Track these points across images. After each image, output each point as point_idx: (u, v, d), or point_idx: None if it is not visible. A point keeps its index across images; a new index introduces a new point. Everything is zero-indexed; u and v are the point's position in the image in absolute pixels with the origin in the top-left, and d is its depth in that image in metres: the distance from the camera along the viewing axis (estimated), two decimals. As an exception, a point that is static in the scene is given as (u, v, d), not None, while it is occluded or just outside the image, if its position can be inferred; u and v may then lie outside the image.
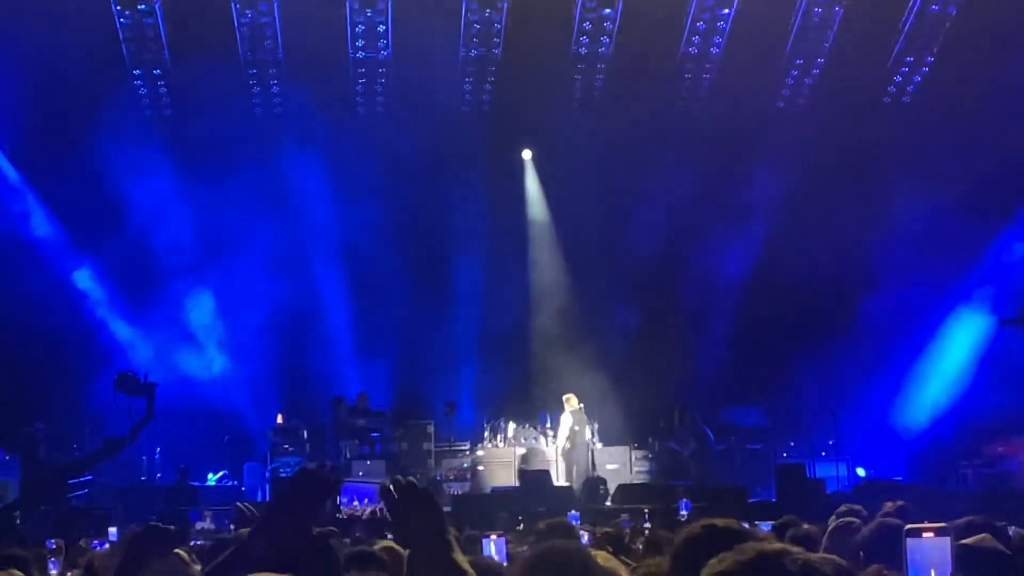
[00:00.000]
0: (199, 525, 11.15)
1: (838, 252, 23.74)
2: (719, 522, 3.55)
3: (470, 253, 25.27)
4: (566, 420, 22.14)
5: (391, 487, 3.05)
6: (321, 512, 3.19)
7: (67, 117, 23.10)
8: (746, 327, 24.44)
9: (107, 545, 9.64)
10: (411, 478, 3.05)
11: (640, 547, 9.10)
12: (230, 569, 3.09)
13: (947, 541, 3.00)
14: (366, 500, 19.15)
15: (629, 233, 25.04)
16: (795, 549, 2.34)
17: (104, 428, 18.42)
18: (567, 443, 22.05)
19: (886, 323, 23.69)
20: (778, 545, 2.40)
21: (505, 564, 5.10)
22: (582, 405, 22.50)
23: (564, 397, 22.24)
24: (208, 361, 24.64)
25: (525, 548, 6.92)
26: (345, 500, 18.63)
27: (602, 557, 4.42)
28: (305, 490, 3.21)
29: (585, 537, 9.33)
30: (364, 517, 16.65)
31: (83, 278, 24.31)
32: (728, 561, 2.32)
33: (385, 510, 3.09)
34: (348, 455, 22.12)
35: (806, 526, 7.91)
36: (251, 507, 10.71)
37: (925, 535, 3.01)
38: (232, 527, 12.25)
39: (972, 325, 23.31)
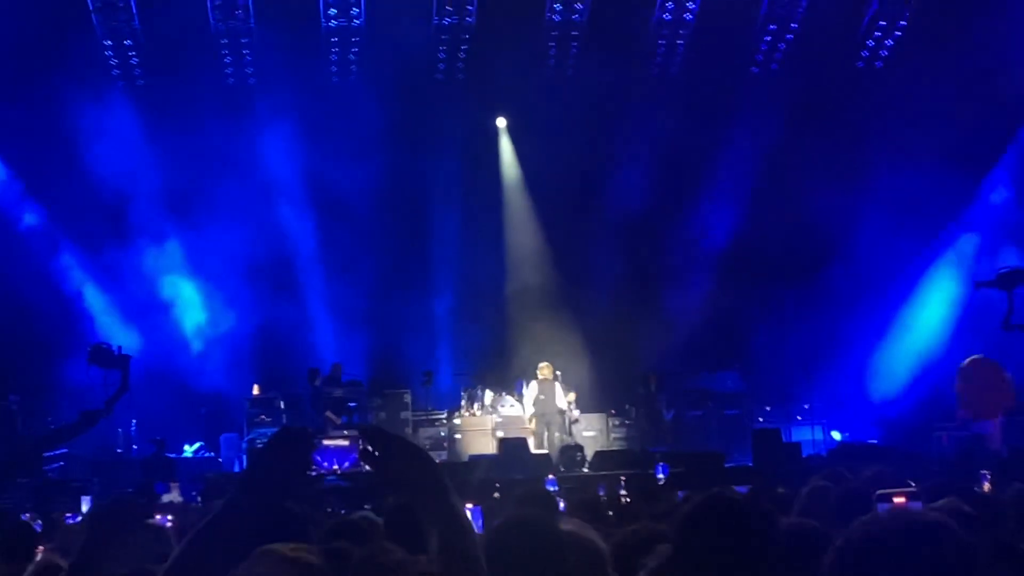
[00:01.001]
0: (166, 498, 11.10)
1: (815, 216, 23.72)
2: (721, 493, 3.56)
3: (445, 221, 25.24)
4: (532, 390, 22.22)
5: (368, 444, 3.03)
6: (302, 470, 3.16)
7: (35, 84, 22.94)
8: (722, 292, 24.48)
9: (79, 518, 9.61)
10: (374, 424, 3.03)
11: (612, 514, 9.13)
12: (214, 533, 3.07)
13: (918, 505, 3.00)
14: (347, 463, 19.19)
15: (604, 200, 25.01)
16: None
17: (79, 401, 18.34)
18: (533, 411, 22.17)
19: (863, 287, 23.80)
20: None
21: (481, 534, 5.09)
22: (559, 373, 22.54)
23: (539, 366, 22.29)
24: (185, 332, 24.58)
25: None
26: (324, 464, 18.66)
27: (576, 525, 4.42)
28: (283, 449, 3.19)
29: (562, 504, 9.36)
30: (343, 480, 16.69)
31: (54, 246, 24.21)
32: None
33: (371, 468, 3.06)
34: (327, 426, 22.08)
35: (780, 490, 7.94)
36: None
37: (896, 500, 3.01)
38: (199, 499, 12.24)
39: (948, 287, 23.40)
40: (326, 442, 19.84)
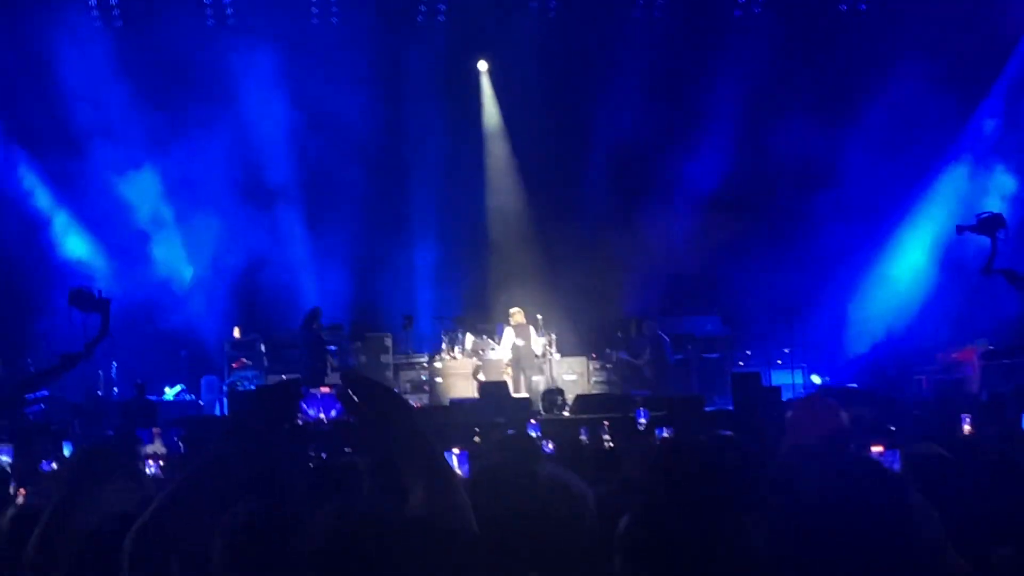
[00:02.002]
0: (149, 448, 11.05)
1: (800, 158, 23.72)
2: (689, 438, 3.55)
3: (426, 165, 25.20)
4: (508, 335, 22.27)
5: (348, 390, 3.02)
6: (288, 421, 3.16)
7: (14, 28, 22.78)
8: (704, 236, 24.48)
9: (53, 464, 9.59)
10: (357, 371, 3.03)
11: (597, 457, 9.14)
12: (197, 482, 3.07)
13: (896, 453, 3.01)
14: (333, 412, 19.16)
15: (585, 144, 25.00)
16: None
17: (58, 344, 18.29)
18: (511, 356, 22.24)
19: (847, 231, 23.80)
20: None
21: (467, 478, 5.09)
22: (539, 317, 22.59)
23: (510, 311, 22.33)
24: (165, 275, 24.52)
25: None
26: (312, 411, 18.63)
27: (559, 469, 4.41)
28: (270, 400, 3.18)
29: (550, 446, 9.37)
30: (326, 427, 16.64)
31: (31, 184, 24.08)
32: None
33: (349, 416, 3.06)
34: (327, 371, 22.01)
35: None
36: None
37: (874, 448, 3.02)
38: (181, 444, 12.20)
39: (932, 228, 23.42)
40: (324, 389, 19.79)
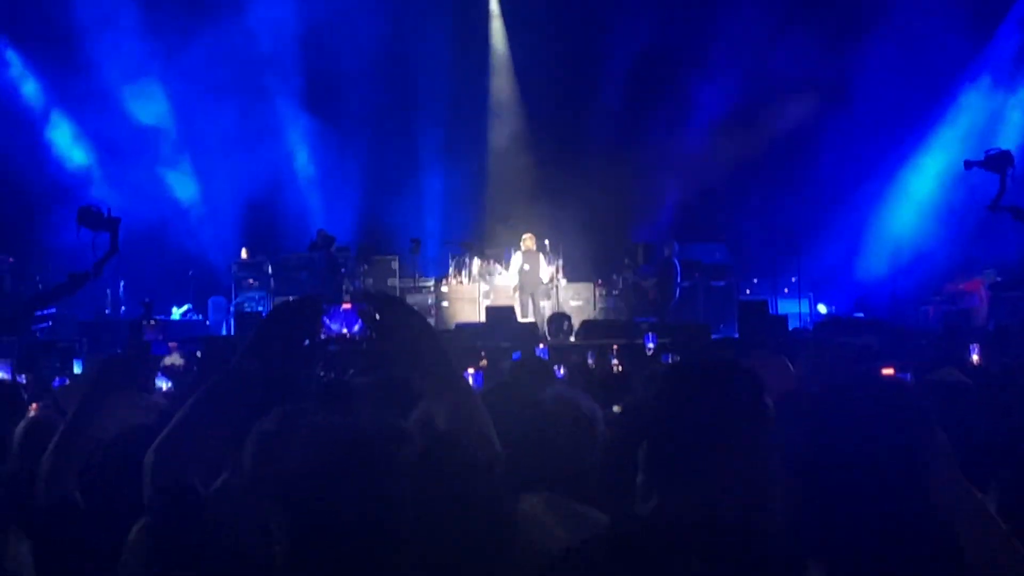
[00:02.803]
0: (167, 360, 11.11)
1: (807, 86, 23.60)
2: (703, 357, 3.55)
3: (435, 90, 25.12)
4: (516, 260, 22.26)
5: (373, 309, 3.03)
6: (309, 337, 3.18)
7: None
8: (710, 163, 24.39)
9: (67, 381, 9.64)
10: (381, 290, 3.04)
11: (606, 380, 9.17)
12: (217, 397, 3.08)
13: (907, 377, 3.01)
14: (356, 327, 19.16)
15: (595, 72, 24.87)
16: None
17: (67, 262, 18.32)
18: (518, 281, 22.27)
19: (854, 157, 23.70)
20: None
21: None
22: (547, 243, 22.57)
23: (523, 236, 22.31)
24: (172, 194, 24.53)
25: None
26: (335, 326, 18.63)
27: (569, 390, 4.43)
28: (291, 315, 3.20)
29: (562, 371, 9.40)
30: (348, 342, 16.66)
31: (34, 94, 24.04)
32: None
33: (373, 332, 3.07)
34: (342, 291, 22.07)
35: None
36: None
37: (884, 372, 3.03)
38: (198, 356, 12.23)
39: (943, 157, 23.30)
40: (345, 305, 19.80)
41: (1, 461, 5.44)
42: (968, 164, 18.35)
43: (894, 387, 2.39)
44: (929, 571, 2.60)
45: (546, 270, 22.54)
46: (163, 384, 7.79)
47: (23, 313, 16.90)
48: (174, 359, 11.08)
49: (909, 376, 2.93)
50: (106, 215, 15.47)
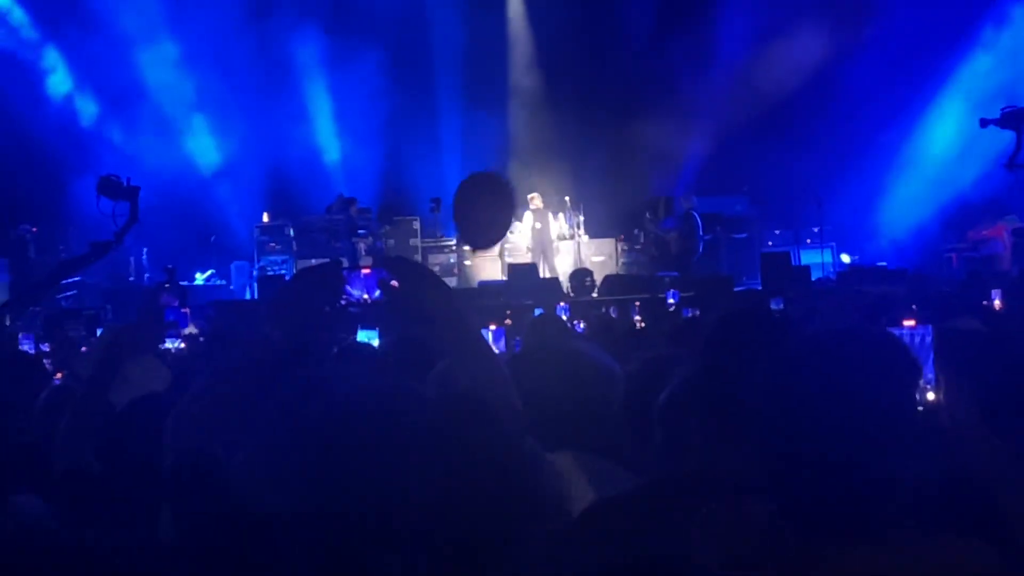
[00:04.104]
0: (186, 330, 11.14)
1: (829, 36, 23.42)
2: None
3: (451, 47, 25.04)
4: (527, 219, 22.24)
5: (390, 274, 3.03)
6: (332, 303, 3.18)
7: None
8: (731, 114, 24.23)
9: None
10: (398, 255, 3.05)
11: (628, 336, 9.15)
12: (241, 364, 3.09)
13: (928, 328, 2.98)
14: (376, 291, 19.17)
15: (615, 22, 24.72)
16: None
17: (90, 231, 18.37)
18: (531, 241, 22.28)
19: (876, 106, 23.52)
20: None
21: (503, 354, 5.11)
22: (568, 199, 22.54)
23: (528, 196, 22.29)
24: (193, 159, 24.55)
25: (517, 339, 6.98)
26: (356, 291, 18.67)
27: (591, 347, 4.41)
28: (314, 281, 3.20)
29: (581, 325, 9.40)
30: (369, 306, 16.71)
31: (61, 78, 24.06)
32: None
33: (389, 297, 3.07)
34: (359, 255, 22.12)
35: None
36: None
37: (906, 323, 3.00)
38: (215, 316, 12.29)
39: (960, 107, 23.12)
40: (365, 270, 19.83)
41: (25, 430, 5.49)
42: (984, 122, 18.20)
43: (881, 341, 2.36)
44: (950, 524, 2.59)
45: (557, 227, 22.52)
46: (170, 344, 7.80)
47: (47, 283, 16.96)
48: (190, 328, 11.12)
49: (930, 328, 2.90)
50: (125, 184, 15.47)
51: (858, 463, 2.17)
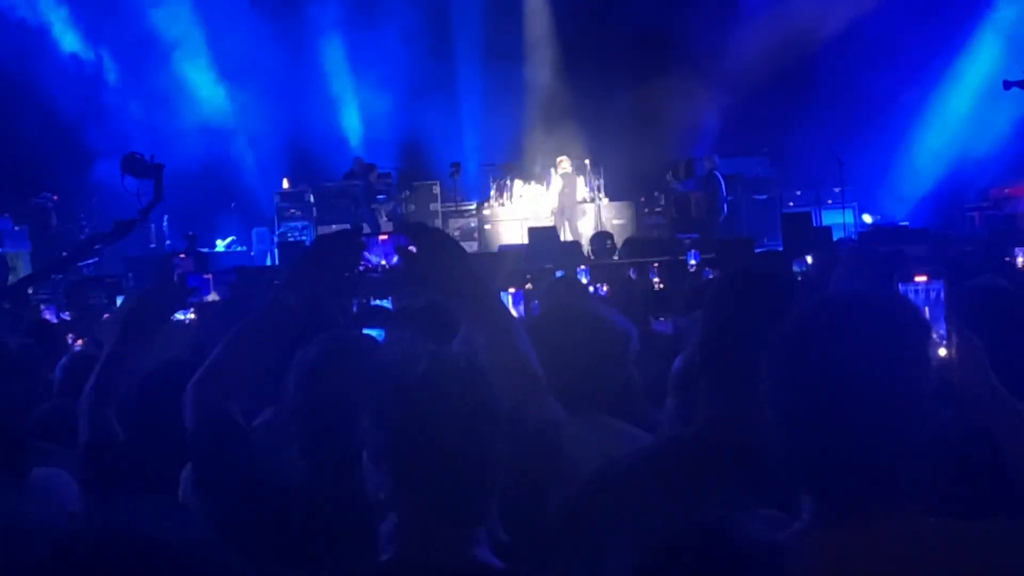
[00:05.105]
0: (208, 296, 11.16)
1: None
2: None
3: (470, 10, 25.02)
4: (555, 183, 22.24)
5: (409, 240, 3.05)
6: (349, 269, 3.21)
7: None
8: (752, 74, 24.08)
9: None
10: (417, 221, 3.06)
11: (647, 298, 9.17)
12: (258, 329, 3.11)
13: (940, 283, 2.97)
14: (394, 257, 19.20)
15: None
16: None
17: (111, 200, 18.41)
18: (557, 204, 22.26)
19: (897, 65, 23.34)
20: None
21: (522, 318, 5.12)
22: (588, 162, 22.49)
23: (558, 160, 22.28)
24: (212, 126, 24.56)
25: (535, 302, 6.98)
26: (375, 257, 18.72)
27: (609, 310, 4.42)
28: (332, 248, 3.22)
29: (604, 289, 9.41)
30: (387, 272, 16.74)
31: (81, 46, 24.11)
32: None
33: (408, 264, 3.08)
34: (378, 221, 22.14)
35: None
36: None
37: (917, 278, 2.99)
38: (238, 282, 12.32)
39: (987, 64, 22.96)
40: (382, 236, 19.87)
41: (46, 397, 5.54)
42: (1007, 84, 18.16)
43: (891, 303, 2.35)
44: (967, 482, 2.59)
45: (584, 191, 22.49)
46: (181, 316, 7.81)
47: (70, 260, 17.06)
48: (213, 295, 11.15)
49: (943, 283, 2.88)
50: (149, 163, 15.52)
51: (873, 431, 2.17)
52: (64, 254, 18.47)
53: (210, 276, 12.44)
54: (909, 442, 2.17)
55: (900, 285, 2.98)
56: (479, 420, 2.47)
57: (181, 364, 3.54)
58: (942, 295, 2.92)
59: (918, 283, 2.95)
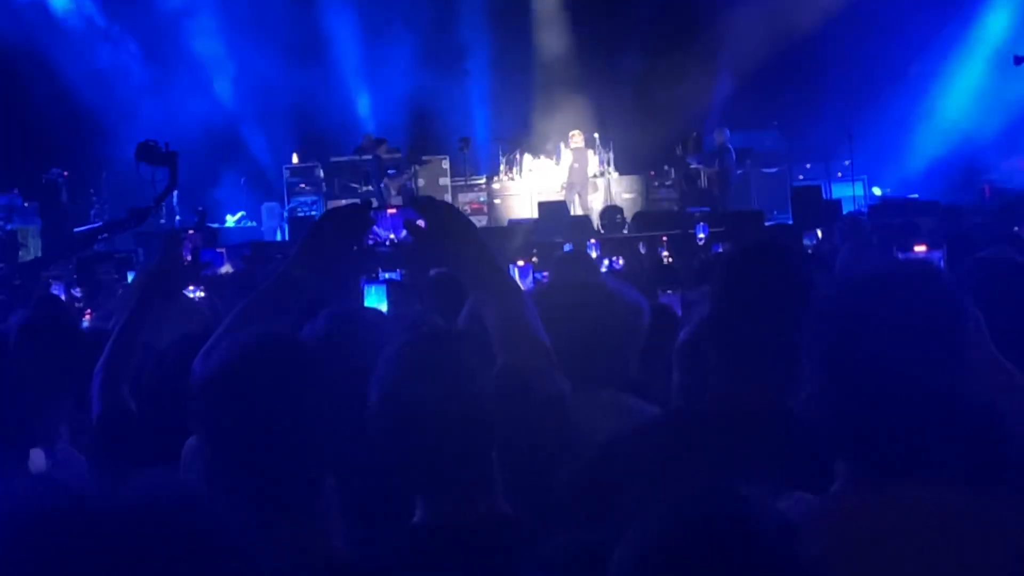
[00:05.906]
0: (222, 269, 11.21)
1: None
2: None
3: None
4: (566, 157, 22.23)
5: (419, 215, 3.06)
6: (358, 243, 3.22)
7: None
8: (761, 47, 23.98)
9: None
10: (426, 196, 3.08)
11: (656, 271, 9.18)
12: (266, 302, 3.13)
13: (939, 253, 2.99)
14: (403, 232, 19.19)
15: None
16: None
17: (121, 176, 18.45)
18: (567, 179, 22.24)
19: (907, 37, 23.24)
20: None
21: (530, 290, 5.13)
22: (597, 135, 22.46)
23: (570, 134, 22.27)
24: (222, 102, 24.55)
25: (546, 274, 7.00)
26: (383, 232, 18.76)
27: (619, 283, 4.43)
28: (341, 222, 3.24)
29: (620, 262, 9.42)
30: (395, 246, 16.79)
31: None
32: None
33: (417, 239, 3.10)
34: (387, 195, 22.16)
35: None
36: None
37: (917, 248, 3.01)
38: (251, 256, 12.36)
39: (995, 37, 22.86)
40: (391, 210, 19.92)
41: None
42: (1017, 60, 18.12)
43: (921, 271, 2.36)
44: (969, 452, 2.61)
45: (594, 166, 22.47)
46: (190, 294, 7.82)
47: (82, 244, 17.12)
48: (226, 268, 11.20)
49: (943, 252, 2.90)
50: (164, 150, 15.57)
51: (914, 400, 2.19)
52: (77, 234, 18.49)
53: (224, 250, 12.47)
54: (945, 411, 2.20)
55: (900, 254, 3.00)
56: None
57: (196, 338, 3.56)
58: (942, 264, 2.94)
59: (917, 253, 2.97)
